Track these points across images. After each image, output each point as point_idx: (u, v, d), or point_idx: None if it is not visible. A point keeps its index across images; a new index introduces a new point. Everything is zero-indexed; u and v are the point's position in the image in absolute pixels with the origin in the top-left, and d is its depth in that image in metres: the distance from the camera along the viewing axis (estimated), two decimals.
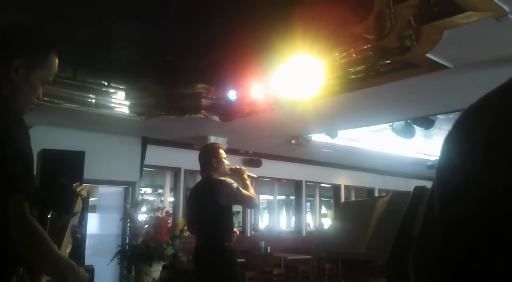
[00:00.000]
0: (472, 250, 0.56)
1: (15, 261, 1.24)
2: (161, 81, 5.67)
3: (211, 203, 3.31)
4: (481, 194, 0.55)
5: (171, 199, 9.01)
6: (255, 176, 3.77)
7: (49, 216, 1.43)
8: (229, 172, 3.53)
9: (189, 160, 8.16)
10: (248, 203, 3.50)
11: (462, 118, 0.63)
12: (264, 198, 13.21)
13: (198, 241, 3.42)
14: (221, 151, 3.52)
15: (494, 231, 0.53)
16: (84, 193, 1.81)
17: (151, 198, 11.54)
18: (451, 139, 0.63)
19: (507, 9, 3.03)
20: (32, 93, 1.40)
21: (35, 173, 1.36)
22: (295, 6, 3.81)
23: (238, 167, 3.62)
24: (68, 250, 1.55)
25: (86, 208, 4.59)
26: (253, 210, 9.61)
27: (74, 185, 1.81)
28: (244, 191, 3.36)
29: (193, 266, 3.47)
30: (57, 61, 1.44)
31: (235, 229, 3.52)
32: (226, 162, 3.53)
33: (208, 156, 3.49)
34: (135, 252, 6.05)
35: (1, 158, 1.20)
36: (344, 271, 8.64)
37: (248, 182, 3.52)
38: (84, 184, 1.91)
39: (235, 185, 3.34)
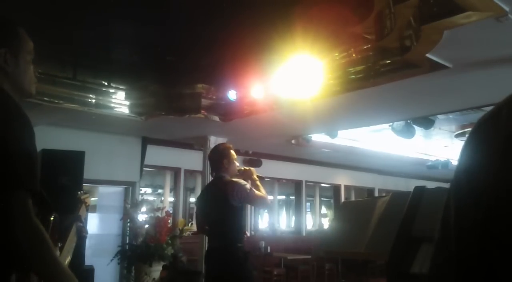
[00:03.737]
0: (482, 258, 0.55)
1: (13, 262, 1.22)
2: (161, 81, 5.67)
3: (224, 204, 3.32)
4: (495, 202, 0.55)
5: (171, 199, 9.02)
6: (263, 176, 3.79)
7: (51, 218, 1.42)
8: (237, 173, 3.55)
9: (189, 160, 8.18)
10: (260, 203, 3.55)
11: (479, 125, 0.63)
12: None
13: (210, 243, 3.47)
14: (232, 152, 3.54)
15: (506, 240, 0.53)
16: (88, 201, 1.82)
17: (151, 198, 11.55)
18: (469, 145, 0.63)
19: (507, 9, 3.03)
20: (29, 72, 1.45)
21: None
22: (295, 6, 3.81)
23: (247, 168, 3.64)
24: (67, 260, 1.53)
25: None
26: (254, 210, 9.62)
27: (79, 193, 1.82)
28: (256, 192, 3.39)
29: (199, 266, 3.50)
30: (27, 35, 1.47)
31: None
32: (236, 163, 3.56)
33: (220, 156, 3.50)
34: (135, 252, 6.05)
35: (4, 155, 1.18)
36: (344, 271, 8.64)
37: (258, 182, 3.54)
38: (84, 184, 1.93)
39: (248, 186, 3.37)
